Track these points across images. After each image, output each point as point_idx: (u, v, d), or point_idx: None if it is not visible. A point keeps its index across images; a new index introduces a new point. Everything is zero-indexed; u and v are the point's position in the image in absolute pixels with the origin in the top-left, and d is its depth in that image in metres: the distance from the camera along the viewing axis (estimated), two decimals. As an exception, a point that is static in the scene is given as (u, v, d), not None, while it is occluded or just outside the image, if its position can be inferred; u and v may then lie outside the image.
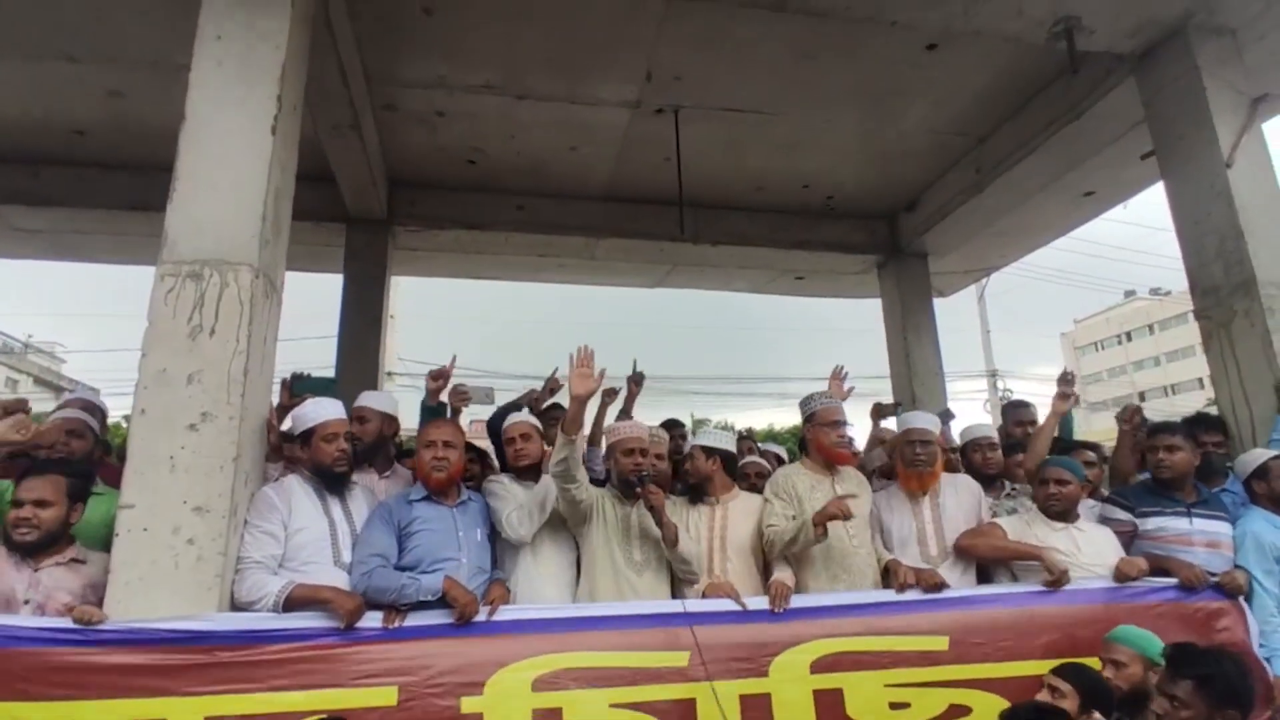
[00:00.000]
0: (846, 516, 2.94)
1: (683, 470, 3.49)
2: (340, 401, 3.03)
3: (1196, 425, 3.70)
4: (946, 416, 5.65)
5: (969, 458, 3.70)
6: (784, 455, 4.52)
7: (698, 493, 3.31)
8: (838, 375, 3.78)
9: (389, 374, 17.98)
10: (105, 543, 2.61)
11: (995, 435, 3.83)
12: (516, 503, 3.02)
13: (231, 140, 2.89)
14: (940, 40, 4.60)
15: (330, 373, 6.06)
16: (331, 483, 2.89)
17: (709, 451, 3.28)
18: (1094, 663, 2.67)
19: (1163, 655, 2.32)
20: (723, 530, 3.17)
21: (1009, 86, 5.24)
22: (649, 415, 4.01)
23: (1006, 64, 4.94)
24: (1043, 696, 2.47)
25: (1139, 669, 2.55)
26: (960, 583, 3.13)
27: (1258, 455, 3.44)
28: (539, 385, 4.12)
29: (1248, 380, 3.81)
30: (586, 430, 3.45)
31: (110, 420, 3.80)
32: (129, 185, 5.82)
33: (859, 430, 4.43)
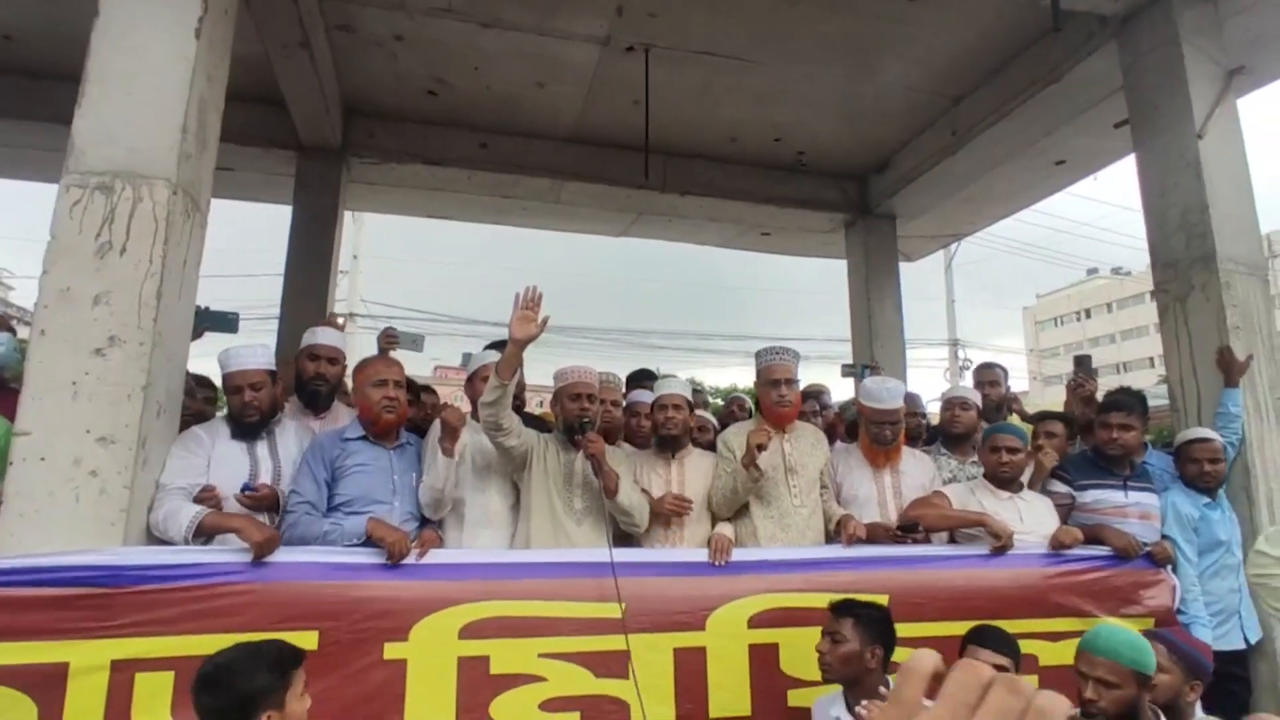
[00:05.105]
0: (766, 441, 2.94)
1: (662, 420, 3.20)
2: (252, 346, 2.88)
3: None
4: (871, 371, 5.64)
5: (942, 415, 3.69)
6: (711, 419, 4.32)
7: (668, 445, 3.23)
8: None
9: (351, 315, 17.52)
10: None
11: (973, 397, 3.82)
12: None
13: (149, 41, 2.62)
14: (923, -9, 4.43)
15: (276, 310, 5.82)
16: (244, 431, 2.77)
17: (692, 405, 3.27)
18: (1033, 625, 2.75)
19: (829, 608, 2.43)
20: (680, 485, 3.13)
21: (990, 45, 5.10)
22: (617, 368, 3.87)
23: (989, 21, 4.79)
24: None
25: (1132, 689, 2.00)
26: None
27: (1182, 435, 3.56)
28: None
29: (1198, 355, 3.81)
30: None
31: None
32: (62, 96, 5.34)
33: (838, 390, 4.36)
